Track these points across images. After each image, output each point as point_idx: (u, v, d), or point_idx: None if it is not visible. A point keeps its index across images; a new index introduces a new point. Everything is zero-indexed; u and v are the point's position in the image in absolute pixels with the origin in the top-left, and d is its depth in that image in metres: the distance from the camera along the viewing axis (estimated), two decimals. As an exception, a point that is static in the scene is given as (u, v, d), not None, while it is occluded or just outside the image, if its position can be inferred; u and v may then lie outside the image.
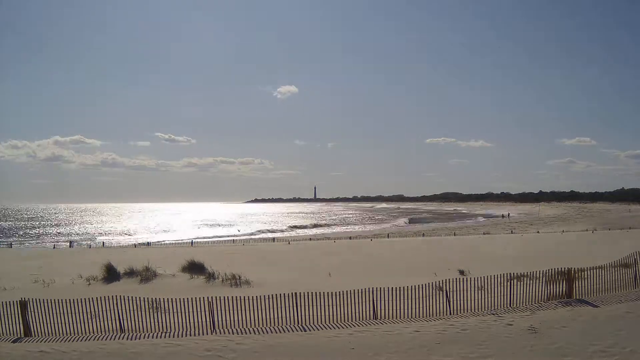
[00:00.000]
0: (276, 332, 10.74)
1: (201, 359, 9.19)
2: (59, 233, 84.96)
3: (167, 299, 12.28)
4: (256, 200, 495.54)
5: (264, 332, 10.74)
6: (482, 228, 73.60)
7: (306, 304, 11.74)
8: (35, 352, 9.83)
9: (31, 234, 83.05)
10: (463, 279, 13.25)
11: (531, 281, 13.33)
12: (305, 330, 10.86)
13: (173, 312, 11.72)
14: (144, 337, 10.64)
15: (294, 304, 11.71)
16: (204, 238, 67.08)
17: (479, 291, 12.71)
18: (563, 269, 13.37)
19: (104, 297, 11.81)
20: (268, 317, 11.50)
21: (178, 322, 11.49)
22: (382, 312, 11.85)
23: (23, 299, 11.64)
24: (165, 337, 10.65)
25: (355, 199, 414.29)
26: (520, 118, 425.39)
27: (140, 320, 11.52)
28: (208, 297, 11.76)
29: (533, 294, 12.98)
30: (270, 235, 72.34)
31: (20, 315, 11.46)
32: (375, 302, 11.92)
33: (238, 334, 10.66)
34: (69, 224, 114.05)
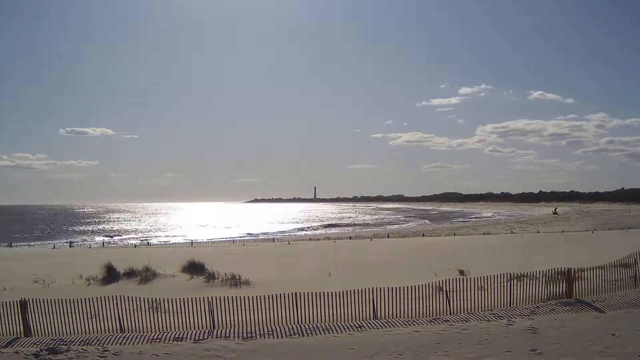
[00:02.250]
0: (276, 332, 10.72)
1: (201, 359, 9.19)
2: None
3: (167, 299, 12.28)
4: (256, 201, 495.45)
5: (263, 332, 10.72)
6: (482, 228, 73.61)
7: (306, 304, 11.74)
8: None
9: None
10: (463, 279, 13.26)
11: (531, 281, 13.33)
12: (305, 330, 10.84)
13: (173, 312, 11.72)
14: (144, 337, 10.63)
15: (294, 304, 11.71)
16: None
17: (479, 291, 12.71)
18: (563, 269, 13.37)
19: (104, 297, 11.81)
20: (268, 317, 11.50)
21: (178, 322, 11.49)
22: (382, 312, 11.85)
23: (23, 299, 11.64)
24: (165, 337, 10.65)
25: (355, 199, 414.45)
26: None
27: (140, 320, 11.52)
28: (208, 297, 11.76)
29: (533, 294, 12.98)
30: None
31: (20, 315, 11.47)
32: (375, 302, 11.92)
33: (238, 334, 10.65)
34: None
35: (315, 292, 11.85)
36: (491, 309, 12.19)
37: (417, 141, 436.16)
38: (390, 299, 12.04)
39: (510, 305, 12.47)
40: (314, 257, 30.02)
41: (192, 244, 49.54)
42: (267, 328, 11.00)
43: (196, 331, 10.90)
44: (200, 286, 18.25)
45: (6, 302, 11.70)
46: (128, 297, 11.83)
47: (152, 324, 11.47)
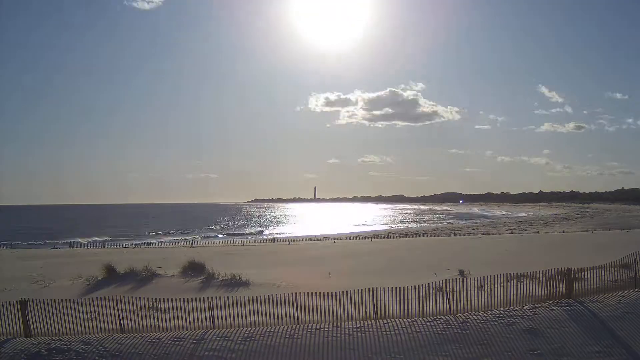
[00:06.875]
0: (276, 332, 10.72)
1: (201, 359, 9.19)
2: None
3: (167, 299, 12.28)
4: (256, 201, 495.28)
5: (263, 332, 10.72)
6: (482, 228, 73.69)
7: (306, 304, 11.73)
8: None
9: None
10: (463, 279, 13.27)
11: (531, 281, 13.33)
12: (304, 330, 10.83)
13: (173, 312, 11.72)
14: (144, 337, 10.63)
15: (294, 304, 11.70)
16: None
17: (479, 291, 12.71)
18: (563, 269, 13.37)
19: (104, 297, 11.81)
20: (268, 317, 11.51)
21: (178, 322, 11.49)
22: (382, 312, 11.85)
23: (23, 299, 11.65)
24: (165, 337, 10.65)
25: (355, 199, 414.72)
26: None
27: (140, 320, 11.52)
28: (208, 297, 11.76)
29: (533, 294, 12.98)
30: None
31: (20, 315, 11.47)
32: (375, 302, 11.92)
33: (238, 334, 10.65)
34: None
35: (315, 292, 11.85)
36: (491, 309, 12.18)
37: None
38: (390, 299, 12.03)
39: (510, 305, 12.47)
40: (313, 257, 30.05)
41: (192, 244, 49.54)
42: (267, 328, 11.00)
43: (196, 331, 10.90)
44: (200, 286, 18.25)
45: (6, 302, 11.70)
46: (128, 297, 11.83)
47: (152, 324, 11.47)
